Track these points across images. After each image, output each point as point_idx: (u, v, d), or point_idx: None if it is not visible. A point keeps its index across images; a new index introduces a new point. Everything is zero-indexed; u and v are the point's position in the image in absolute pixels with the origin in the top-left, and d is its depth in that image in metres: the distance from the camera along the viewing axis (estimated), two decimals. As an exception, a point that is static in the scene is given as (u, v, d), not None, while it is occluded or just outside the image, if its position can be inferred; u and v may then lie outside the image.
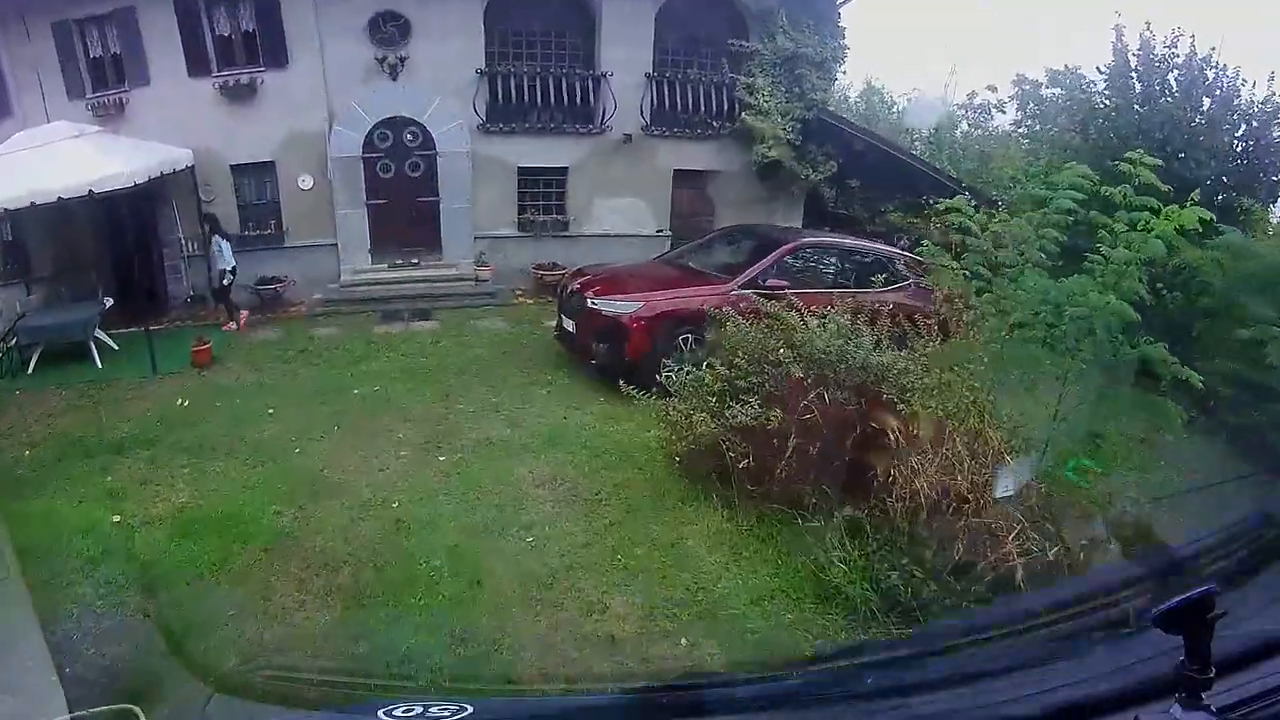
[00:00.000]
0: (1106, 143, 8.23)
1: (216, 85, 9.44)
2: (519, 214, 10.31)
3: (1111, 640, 1.22)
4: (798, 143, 10.05)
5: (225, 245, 8.88)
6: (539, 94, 9.89)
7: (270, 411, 6.52)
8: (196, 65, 9.41)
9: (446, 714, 1.10)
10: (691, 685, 1.87)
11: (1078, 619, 1.48)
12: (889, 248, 8.13)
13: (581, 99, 10.00)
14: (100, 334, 8.17)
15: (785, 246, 7.20)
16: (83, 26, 9.46)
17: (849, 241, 7.97)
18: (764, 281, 6.62)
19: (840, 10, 10.52)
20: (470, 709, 1.12)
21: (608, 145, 10.21)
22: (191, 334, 8.57)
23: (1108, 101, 8.97)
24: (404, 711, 1.12)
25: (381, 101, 9.67)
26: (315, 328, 9.04)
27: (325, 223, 9.92)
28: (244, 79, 9.47)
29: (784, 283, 6.48)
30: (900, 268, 7.29)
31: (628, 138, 10.12)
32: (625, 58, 10.00)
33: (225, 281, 8.89)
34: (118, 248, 9.84)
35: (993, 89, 13.35)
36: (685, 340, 6.47)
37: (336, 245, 9.99)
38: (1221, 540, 1.48)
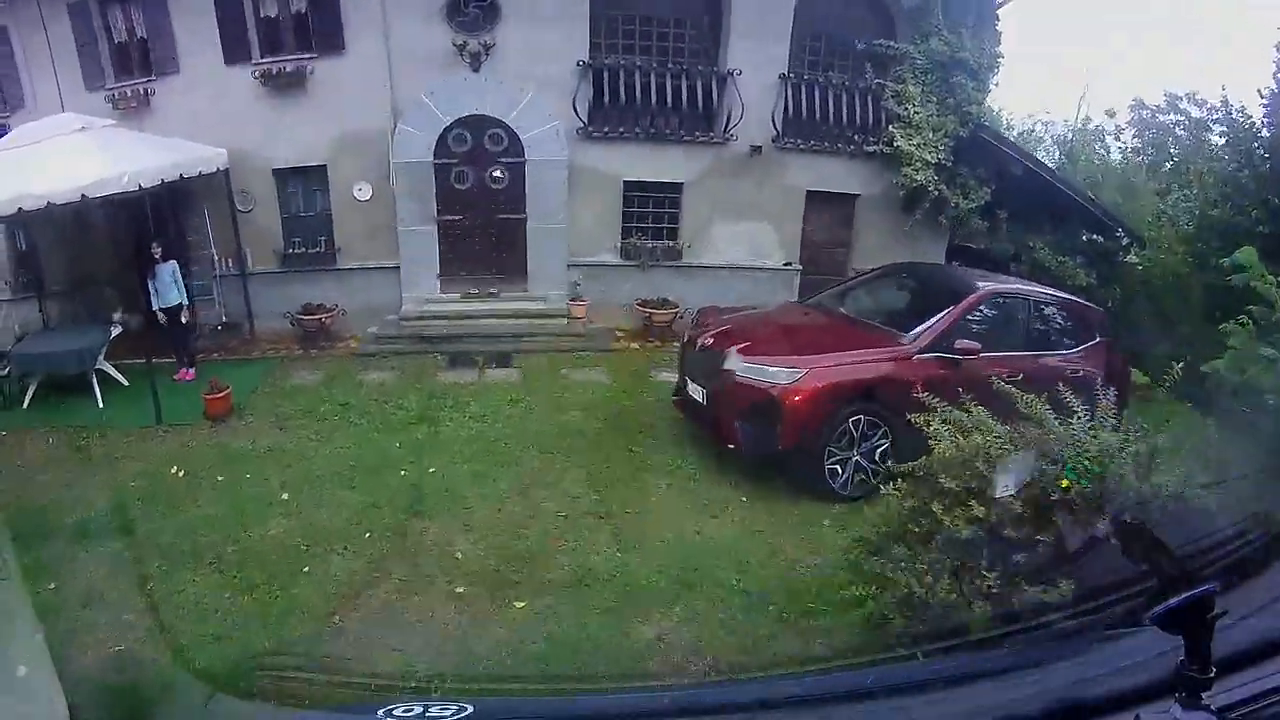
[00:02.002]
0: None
1: (258, 75, 9.23)
2: (622, 238, 9.96)
3: (1111, 640, 1.37)
4: (948, 164, 9.75)
5: (173, 273, 8.39)
6: (653, 94, 9.43)
7: (284, 497, 5.96)
8: (235, 51, 9.23)
9: (446, 714, 1.26)
10: (692, 686, 1.99)
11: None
12: (1075, 297, 7.72)
13: (703, 102, 9.56)
14: (107, 366, 8.23)
15: (972, 296, 6.54)
16: (104, 6, 9.33)
17: (1036, 290, 7.42)
18: (952, 343, 6.07)
19: (998, 12, 10.27)
20: (470, 709, 1.27)
21: (731, 158, 9.79)
22: (218, 370, 8.50)
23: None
24: (404, 711, 1.28)
25: (459, 97, 9.28)
26: (365, 371, 8.72)
27: (385, 241, 9.67)
28: (291, 67, 9.23)
29: (975, 345, 6.00)
30: (1090, 321, 7.03)
31: (756, 150, 9.70)
32: (756, 54, 9.55)
33: (184, 319, 8.50)
34: (142, 262, 9.38)
35: (1110, 113, 13.46)
36: (856, 422, 5.89)
37: (398, 269, 9.74)
38: None
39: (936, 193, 9.86)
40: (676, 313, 9.48)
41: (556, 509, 5.75)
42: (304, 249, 9.92)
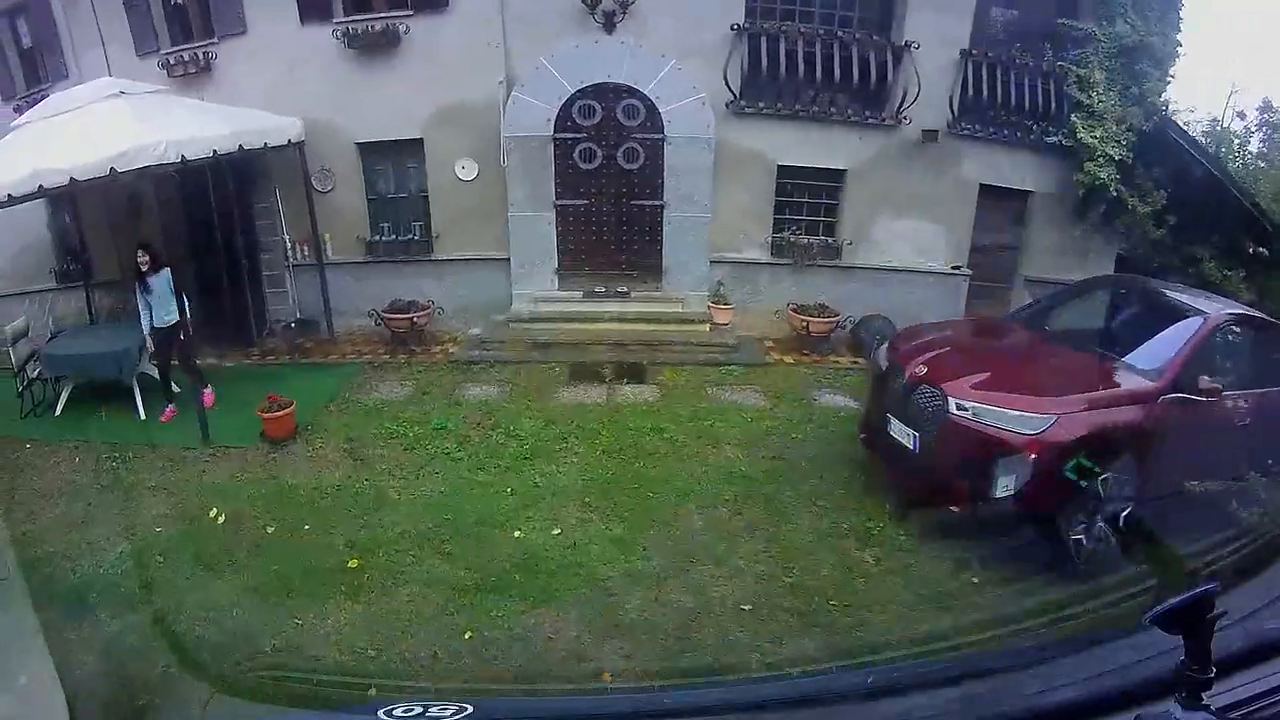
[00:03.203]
0: None
1: (341, 35, 8.84)
2: (773, 232, 9.40)
3: (1111, 640, 1.44)
4: (1128, 161, 9.36)
5: (169, 284, 7.72)
6: (817, 67, 8.89)
7: (351, 565, 5.11)
8: (313, 8, 8.91)
9: (446, 714, 1.33)
10: (692, 686, 2.10)
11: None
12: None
13: (875, 78, 9.07)
14: (153, 370, 7.97)
15: (1210, 321, 5.94)
16: (157, -41, 8.72)
17: (1256, 314, 6.82)
18: (1194, 380, 5.45)
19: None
20: (470, 709, 1.34)
21: (901, 144, 9.25)
22: (284, 376, 8.17)
23: None
24: (404, 711, 1.35)
25: (588, 62, 8.75)
26: (466, 384, 8.15)
27: (492, 229, 9.25)
28: (381, 26, 8.83)
29: (1217, 384, 5.44)
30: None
31: (931, 135, 9.07)
32: (935, 26, 9.05)
33: (182, 335, 7.74)
34: (202, 249, 9.39)
35: (1240, 114, 13.32)
36: (1105, 480, 5.19)
37: (507, 262, 9.35)
38: None
39: (1115, 193, 9.55)
40: (836, 321, 8.82)
41: (737, 598, 4.71)
42: (393, 236, 9.56)
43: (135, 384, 7.88)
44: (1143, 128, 9.57)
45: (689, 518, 5.68)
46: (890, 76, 9.25)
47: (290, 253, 9.53)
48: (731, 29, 8.93)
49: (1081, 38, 9.62)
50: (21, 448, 7.46)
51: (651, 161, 9.14)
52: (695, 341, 8.97)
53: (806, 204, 9.65)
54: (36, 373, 8.25)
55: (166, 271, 7.61)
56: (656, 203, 9.25)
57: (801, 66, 9.08)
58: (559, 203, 9.25)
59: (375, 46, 8.95)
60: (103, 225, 9.30)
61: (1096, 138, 9.48)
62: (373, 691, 4.13)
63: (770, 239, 9.50)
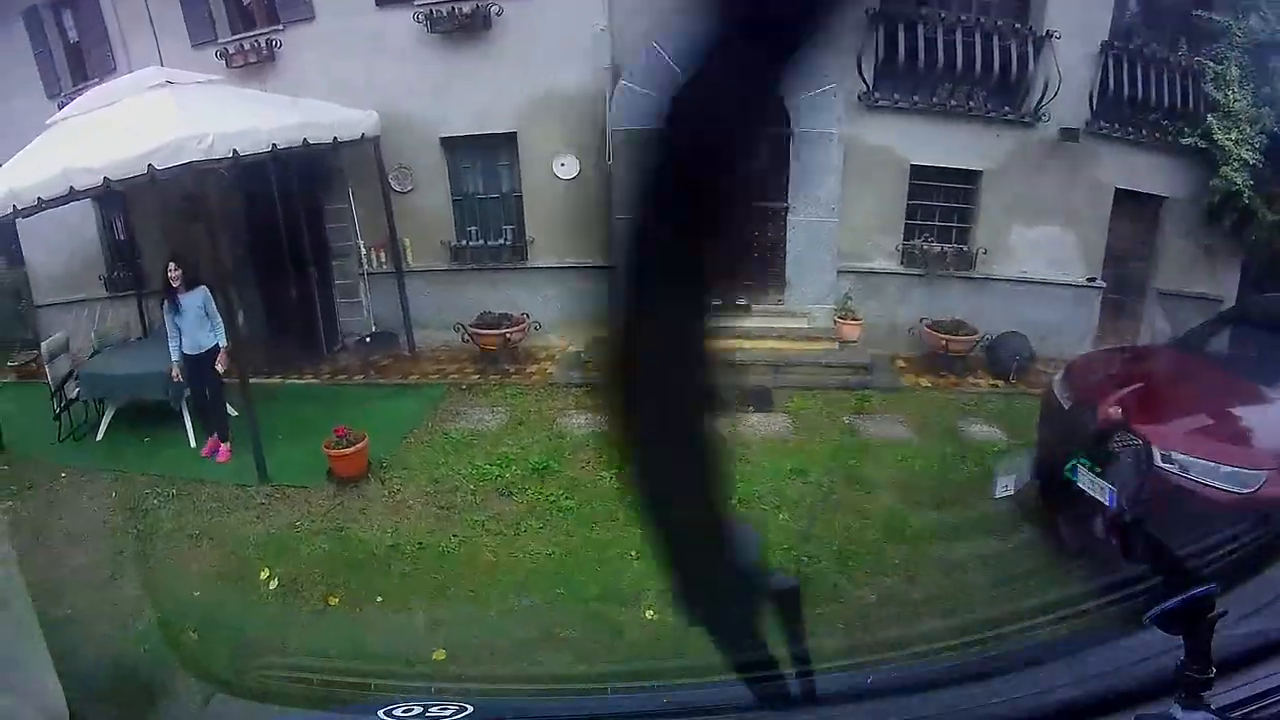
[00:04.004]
0: None
1: (423, 18, 8.31)
2: (904, 239, 8.74)
3: (1111, 640, 1.37)
4: (1260, 166, 8.68)
5: (204, 304, 6.90)
6: (958, 55, 8.28)
7: (437, 657, 4.26)
8: None
9: (446, 714, 1.35)
10: (692, 686, 2.13)
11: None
12: None
13: (1016, 69, 8.47)
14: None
15: None
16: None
17: None
18: None
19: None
20: (470, 709, 1.37)
21: (1037, 143, 8.59)
22: (357, 399, 7.67)
23: None
24: (404, 711, 1.36)
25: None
26: (568, 411, 7.34)
27: (595, 233, 8.42)
28: (469, 8, 8.23)
29: None
30: None
31: (1070, 134, 8.42)
32: (1076, 14, 8.45)
33: (219, 368, 6.88)
34: (266, 255, 8.90)
35: None
36: None
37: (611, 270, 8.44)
38: None
39: (1247, 200, 8.88)
40: (975, 340, 8.08)
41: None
42: (482, 241, 8.92)
43: (185, 409, 7.27)
44: (1275, 130, 8.91)
45: (858, 591, 4.76)
46: (1029, 69, 8.57)
47: (365, 259, 8.94)
48: (866, 14, 8.17)
49: (1217, 31, 8.99)
50: (56, 476, 6.98)
51: (775, 158, 8.33)
52: (821, 361, 8.22)
53: (939, 207, 8.95)
54: (76, 393, 7.74)
55: (203, 290, 6.88)
56: (779, 204, 8.48)
57: (942, 55, 8.44)
58: None
59: (463, 30, 8.33)
60: (156, 229, 8.65)
61: (1232, 140, 8.88)
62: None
63: (901, 246, 8.79)
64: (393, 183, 8.52)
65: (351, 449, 6.20)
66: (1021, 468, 5.16)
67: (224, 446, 6.97)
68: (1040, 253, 8.94)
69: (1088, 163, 8.88)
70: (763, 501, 5.62)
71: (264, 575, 4.99)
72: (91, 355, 8.42)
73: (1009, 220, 8.82)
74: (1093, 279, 9.06)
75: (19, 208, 6.65)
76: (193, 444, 7.13)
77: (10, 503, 6.95)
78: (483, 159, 8.78)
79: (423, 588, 4.94)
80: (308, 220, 8.72)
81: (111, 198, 8.56)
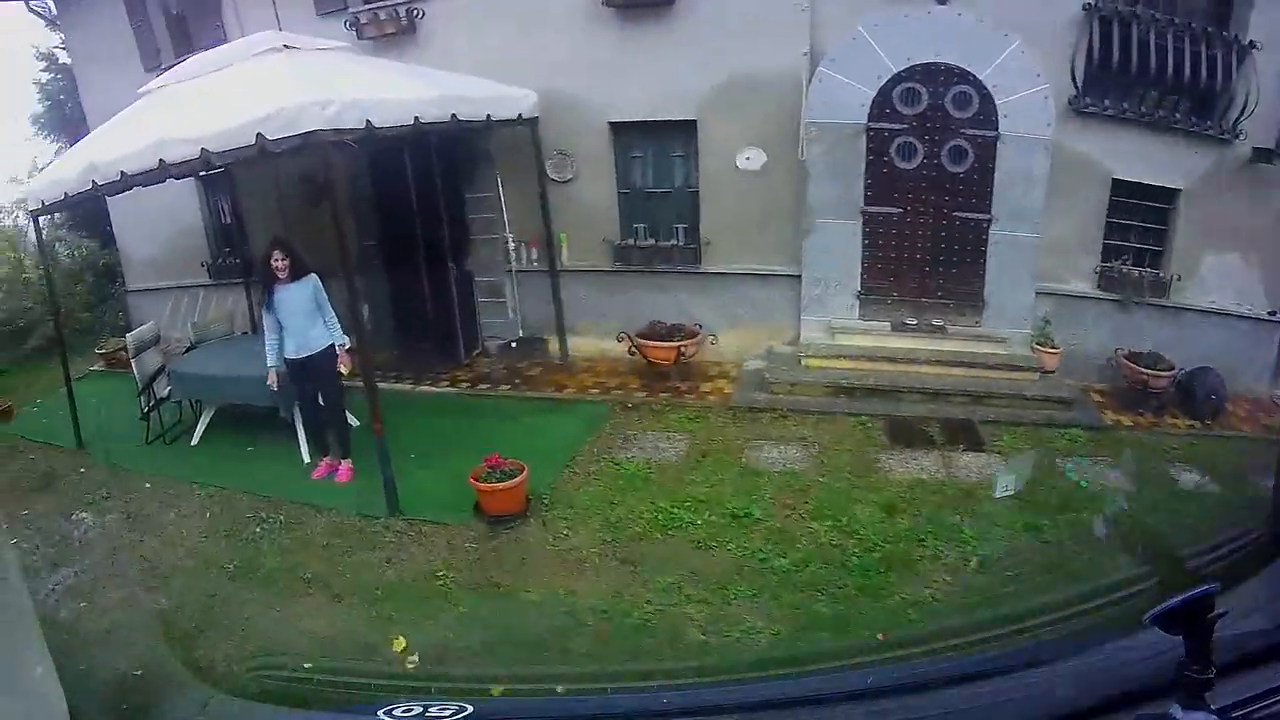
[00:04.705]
0: None
1: None
2: (1101, 260, 8.15)
3: (1111, 640, 1.40)
4: None
5: (314, 296, 6.10)
6: (1168, 61, 7.64)
7: None
8: None
9: (446, 714, 1.38)
10: (692, 686, 2.34)
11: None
12: None
13: (1220, 80, 7.74)
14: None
15: None
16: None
17: None
18: None
19: None
20: (470, 709, 1.39)
21: (1234, 162, 7.96)
22: (503, 414, 7.11)
23: None
24: (404, 711, 1.39)
25: (915, 35, 7.54)
26: (756, 441, 6.61)
27: (778, 237, 8.03)
28: None
29: None
30: None
31: (1264, 155, 7.86)
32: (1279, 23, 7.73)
33: (341, 370, 6.17)
34: (399, 246, 8.37)
35: None
36: None
37: (796, 279, 8.08)
38: None
39: None
40: (1173, 374, 7.64)
41: None
42: (651, 240, 8.38)
43: (298, 419, 6.56)
44: None
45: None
46: (1232, 80, 7.91)
47: (513, 255, 8.45)
48: (1083, 9, 7.59)
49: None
50: (139, 485, 6.34)
51: (980, 164, 7.83)
52: (1018, 393, 7.54)
53: (1135, 227, 8.35)
54: (167, 391, 7.18)
55: (312, 280, 6.07)
56: (982, 216, 7.94)
57: (1154, 60, 7.73)
58: (868, 209, 8.00)
59: (643, 4, 7.80)
60: (269, 212, 8.15)
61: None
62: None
63: (1099, 268, 8.20)
64: (550, 170, 8.12)
65: (507, 484, 5.38)
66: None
67: (344, 465, 6.29)
68: (1227, 281, 8.47)
69: (1276, 185, 8.26)
70: (1005, 566, 4.95)
71: (398, 647, 4.06)
72: (187, 350, 7.79)
73: (1201, 245, 8.38)
74: (1275, 311, 8.58)
75: (99, 183, 6.17)
76: (306, 460, 6.45)
77: (83, 514, 6.29)
78: (655, 148, 8.29)
79: (619, 675, 4.14)
80: (448, 208, 8.21)
81: (219, 177, 8.25)
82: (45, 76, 13.24)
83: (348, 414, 6.32)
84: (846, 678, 1.75)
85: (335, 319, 6.07)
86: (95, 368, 9.53)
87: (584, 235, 8.26)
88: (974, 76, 7.58)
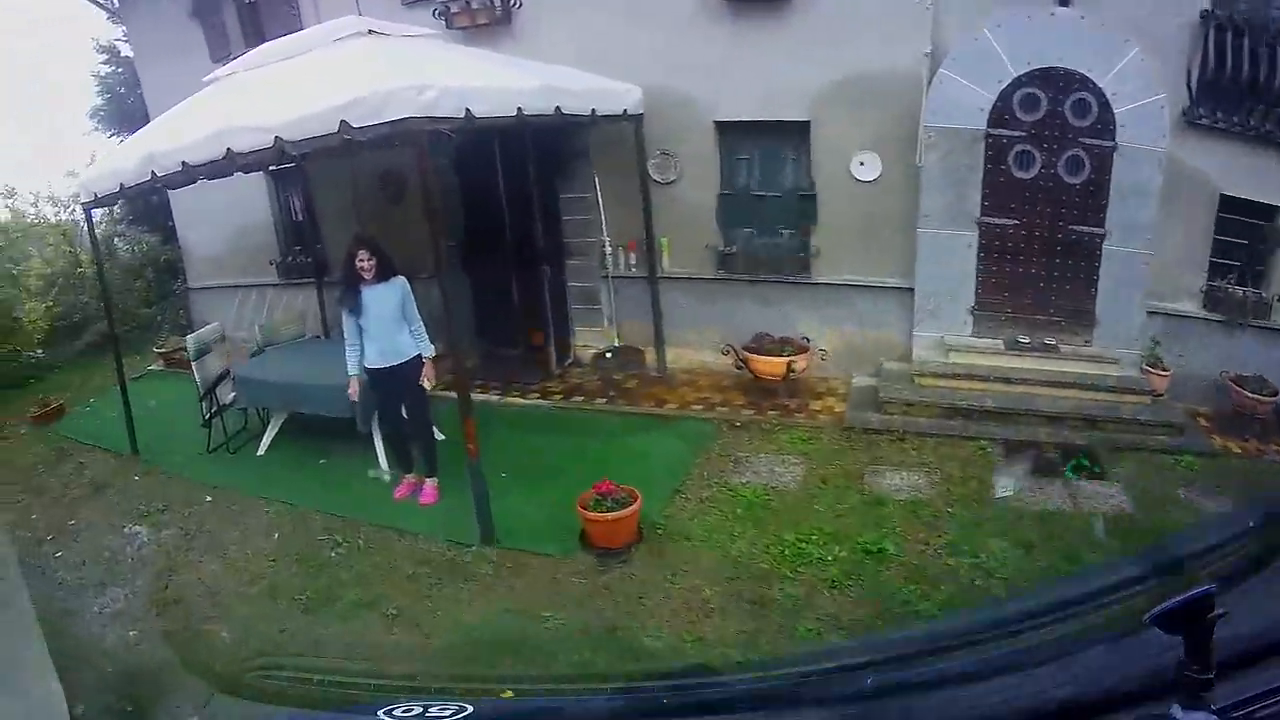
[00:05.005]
0: None
1: None
2: (1208, 279, 7.81)
3: (1111, 640, 1.39)
4: None
5: (402, 300, 5.70)
6: (1277, 73, 7.20)
7: None
8: None
9: (446, 714, 1.34)
10: (692, 684, 2.16)
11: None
12: None
13: None
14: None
15: None
16: None
17: None
18: None
19: None
20: (470, 709, 1.38)
21: None
22: (599, 430, 6.78)
23: None
24: (404, 711, 1.36)
25: (1037, 38, 7.21)
26: (875, 466, 6.26)
27: (889, 247, 7.72)
28: None
29: None
30: None
31: None
32: None
33: (425, 384, 5.72)
34: (487, 248, 8.13)
35: None
36: None
37: (909, 293, 7.75)
38: None
39: None
40: (1276, 400, 7.38)
41: None
42: (754, 246, 8.04)
43: (376, 433, 6.18)
44: None
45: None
46: None
47: (610, 260, 8.12)
48: (1201, 15, 7.19)
49: None
50: (199, 497, 6.08)
51: (1096, 176, 7.44)
52: (1128, 417, 7.13)
53: (1238, 246, 7.96)
54: (231, 398, 6.90)
55: (401, 283, 5.70)
56: (1096, 230, 7.57)
57: (1265, 70, 7.33)
58: (984, 219, 7.66)
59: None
60: (345, 209, 7.89)
61: None
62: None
63: (1206, 287, 7.84)
64: (652, 171, 7.86)
65: (619, 514, 5.00)
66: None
67: (429, 485, 5.94)
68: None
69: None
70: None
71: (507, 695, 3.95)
72: (254, 354, 7.44)
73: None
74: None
75: (159, 174, 5.85)
76: (385, 477, 6.11)
77: (136, 527, 5.99)
78: (764, 150, 7.94)
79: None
80: (542, 209, 7.96)
81: (290, 172, 7.89)
82: (105, 69, 13.29)
83: (434, 428, 5.98)
84: (847, 678, 1.68)
85: (422, 326, 5.73)
86: (153, 367, 9.44)
87: (685, 240, 7.98)
88: (1093, 83, 7.29)
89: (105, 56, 13.42)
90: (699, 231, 7.93)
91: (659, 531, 5.25)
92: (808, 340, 7.60)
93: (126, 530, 5.91)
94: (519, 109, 5.84)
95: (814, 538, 5.17)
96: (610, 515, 4.93)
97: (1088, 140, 7.39)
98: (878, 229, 7.69)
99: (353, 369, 5.62)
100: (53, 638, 2.97)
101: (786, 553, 5.00)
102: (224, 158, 5.26)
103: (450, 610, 4.63)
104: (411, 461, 5.98)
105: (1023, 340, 7.69)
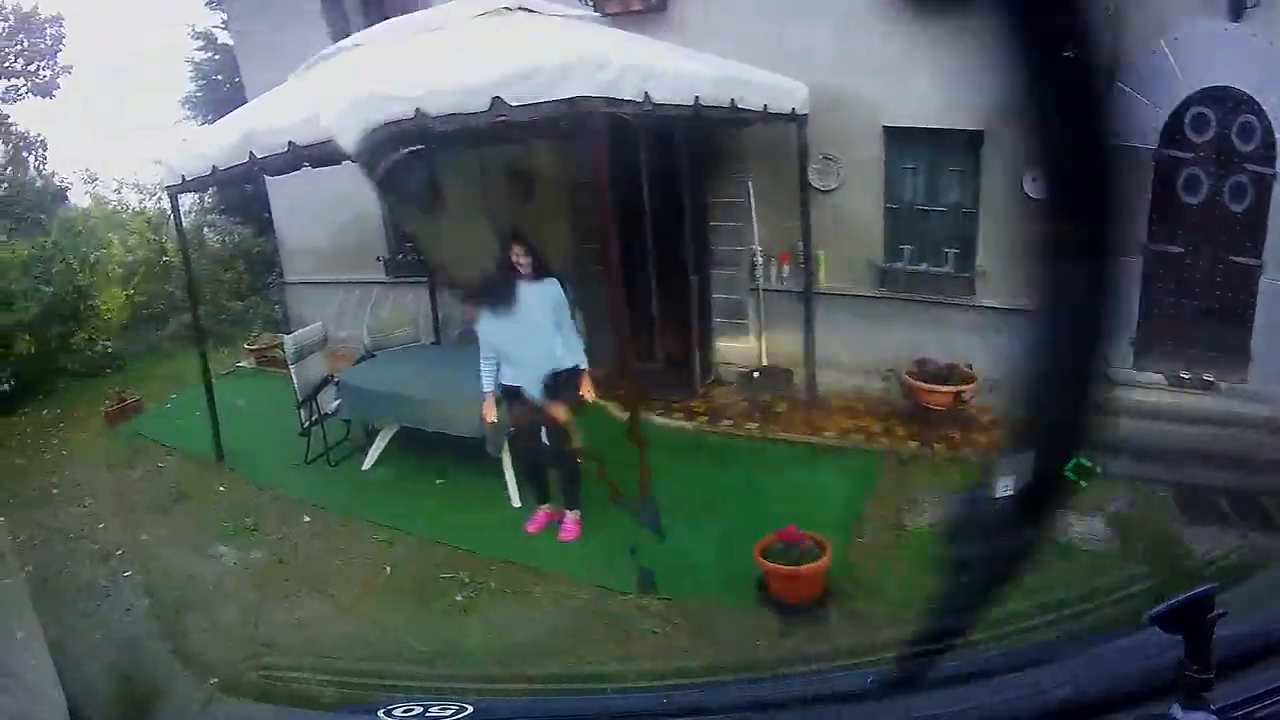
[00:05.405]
0: None
1: None
2: None
3: (1111, 640, 1.41)
4: None
5: (556, 305, 5.07)
6: None
7: None
8: None
9: (446, 714, 1.34)
10: (692, 686, 2.24)
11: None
12: None
13: None
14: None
15: None
16: None
17: None
18: None
19: None
20: (470, 709, 1.37)
21: None
22: (750, 459, 6.08)
23: None
24: (404, 711, 1.36)
25: (1211, 56, 6.65)
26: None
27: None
28: None
29: None
30: None
31: None
32: None
33: (585, 396, 5.08)
34: (627, 253, 6.91)
35: None
36: None
37: None
38: None
39: None
40: None
41: None
42: (917, 264, 7.42)
43: (507, 455, 5.46)
44: None
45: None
46: None
47: (758, 271, 7.47)
48: None
49: None
50: (295, 517, 5.49)
51: (1257, 204, 6.83)
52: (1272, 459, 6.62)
53: None
54: (334, 407, 6.28)
55: (554, 285, 5.01)
56: (1253, 262, 7.00)
57: None
58: (1151, 246, 6.99)
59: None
60: (467, 205, 6.94)
61: None
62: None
63: None
64: (813, 177, 7.29)
65: (810, 566, 4.35)
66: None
67: (569, 518, 5.26)
68: None
69: None
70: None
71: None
72: (361, 359, 6.84)
73: None
74: None
75: (258, 156, 5.19)
76: (515, 503, 5.44)
77: (220, 548, 5.41)
78: (930, 160, 7.38)
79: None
80: (690, 213, 7.51)
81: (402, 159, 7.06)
82: (200, 55, 13.31)
83: (575, 460, 5.18)
84: (847, 678, 1.65)
85: (577, 336, 5.17)
86: (243, 364, 9.18)
87: (843, 253, 7.44)
88: (1258, 105, 6.71)
89: (201, 43, 13.48)
90: (858, 245, 7.39)
91: (846, 584, 4.58)
92: (970, 367, 6.93)
93: (209, 551, 5.44)
94: (696, 98, 5.27)
95: (1016, 595, 4.53)
96: (802, 569, 4.31)
97: (1251, 166, 6.91)
98: (1041, 248, 6.95)
99: (488, 384, 5.04)
100: (111, 679, 2.99)
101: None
102: (319, 144, 4.53)
103: (616, 678, 3.94)
104: (547, 490, 5.33)
105: (1184, 376, 7.12)
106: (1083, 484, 3.06)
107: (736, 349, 7.79)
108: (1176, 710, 0.98)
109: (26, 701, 1.57)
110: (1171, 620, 0.98)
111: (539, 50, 4.57)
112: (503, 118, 4.16)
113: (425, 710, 1.35)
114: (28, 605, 2.03)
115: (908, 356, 7.11)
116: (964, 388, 6.80)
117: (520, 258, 4.87)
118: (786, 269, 7.48)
